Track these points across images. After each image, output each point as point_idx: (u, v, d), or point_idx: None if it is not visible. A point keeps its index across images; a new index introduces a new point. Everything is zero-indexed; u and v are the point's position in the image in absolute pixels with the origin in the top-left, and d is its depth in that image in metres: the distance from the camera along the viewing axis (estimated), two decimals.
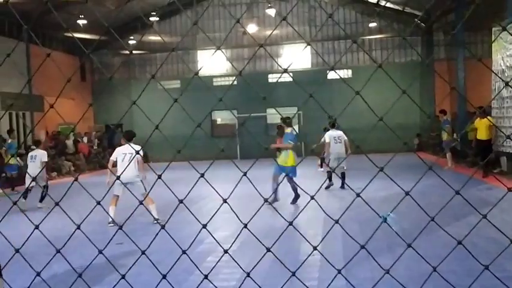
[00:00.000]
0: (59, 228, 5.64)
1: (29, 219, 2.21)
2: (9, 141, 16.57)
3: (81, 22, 22.27)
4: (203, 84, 24.58)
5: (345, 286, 4.61)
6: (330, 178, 12.83)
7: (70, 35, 24.05)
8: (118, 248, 6.77)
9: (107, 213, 7.01)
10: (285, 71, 2.10)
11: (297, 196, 10.72)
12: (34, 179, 3.27)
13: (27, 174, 12.25)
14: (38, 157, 11.70)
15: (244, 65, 3.37)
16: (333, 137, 12.88)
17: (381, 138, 15.01)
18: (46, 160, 12.25)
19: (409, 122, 23.89)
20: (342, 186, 12.43)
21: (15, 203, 2.09)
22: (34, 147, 12.56)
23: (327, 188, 12.67)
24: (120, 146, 9.73)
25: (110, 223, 8.81)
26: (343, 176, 12.37)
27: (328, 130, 13.35)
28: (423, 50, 26.31)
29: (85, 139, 24.81)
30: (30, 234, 2.15)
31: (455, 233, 6.64)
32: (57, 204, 2.07)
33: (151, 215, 6.34)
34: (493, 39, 19.21)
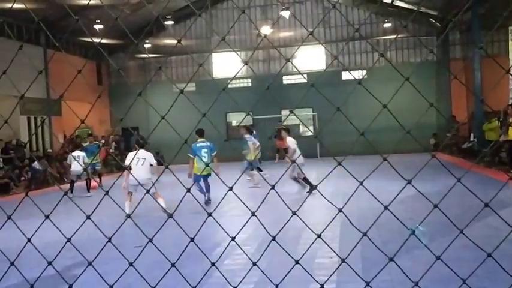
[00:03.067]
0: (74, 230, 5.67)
1: (82, 210, 2.40)
2: (85, 144, 17.64)
3: (98, 27, 22.51)
4: (218, 87, 24.67)
5: None
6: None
7: (87, 39, 24.32)
8: (137, 249, 6.79)
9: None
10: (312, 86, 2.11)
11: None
12: (85, 170, 3.61)
13: (71, 171, 15.37)
14: (81, 157, 14.70)
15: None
16: (296, 143, 12.78)
17: (397, 138, 14.90)
18: (87, 161, 15.08)
19: (425, 121, 23.68)
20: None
21: (65, 194, 2.37)
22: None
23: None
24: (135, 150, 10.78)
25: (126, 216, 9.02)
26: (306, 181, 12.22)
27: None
28: (439, 50, 26.09)
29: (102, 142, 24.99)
30: (82, 224, 2.51)
31: (476, 235, 6.57)
32: (106, 193, 2.31)
33: (161, 206, 6.88)
34: (510, 38, 19.01)
